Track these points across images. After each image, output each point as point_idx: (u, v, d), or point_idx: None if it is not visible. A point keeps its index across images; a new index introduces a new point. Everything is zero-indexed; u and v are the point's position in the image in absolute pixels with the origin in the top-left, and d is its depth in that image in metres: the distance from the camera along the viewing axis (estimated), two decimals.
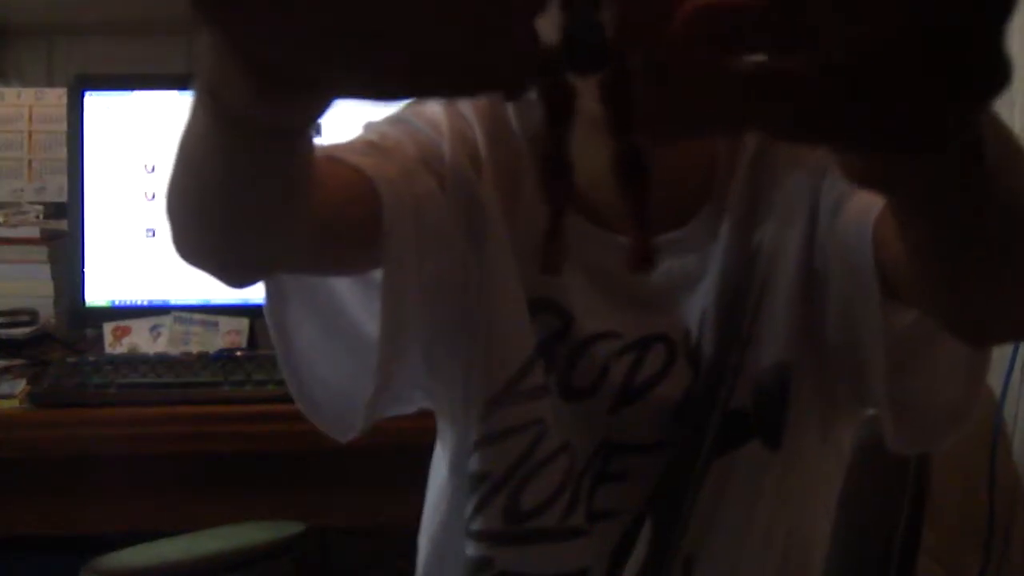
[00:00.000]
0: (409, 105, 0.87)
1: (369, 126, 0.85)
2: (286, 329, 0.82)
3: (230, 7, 0.36)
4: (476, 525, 0.88)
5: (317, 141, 0.60)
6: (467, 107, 0.88)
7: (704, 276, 0.86)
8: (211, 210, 0.62)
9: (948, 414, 0.79)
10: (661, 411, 0.87)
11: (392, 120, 0.86)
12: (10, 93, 2.04)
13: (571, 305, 0.87)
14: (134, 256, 1.84)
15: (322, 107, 0.48)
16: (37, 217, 1.96)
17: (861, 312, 0.77)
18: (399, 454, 1.13)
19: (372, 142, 0.82)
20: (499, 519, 0.87)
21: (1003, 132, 0.50)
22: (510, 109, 0.88)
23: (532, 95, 0.40)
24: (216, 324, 1.79)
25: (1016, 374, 1.60)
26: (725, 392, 0.86)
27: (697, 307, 0.86)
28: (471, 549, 0.89)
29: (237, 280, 0.70)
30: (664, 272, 0.86)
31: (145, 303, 1.84)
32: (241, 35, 0.37)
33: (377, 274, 0.78)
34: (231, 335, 1.79)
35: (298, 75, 0.40)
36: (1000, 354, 1.60)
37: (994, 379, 1.58)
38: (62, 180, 1.92)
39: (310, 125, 0.53)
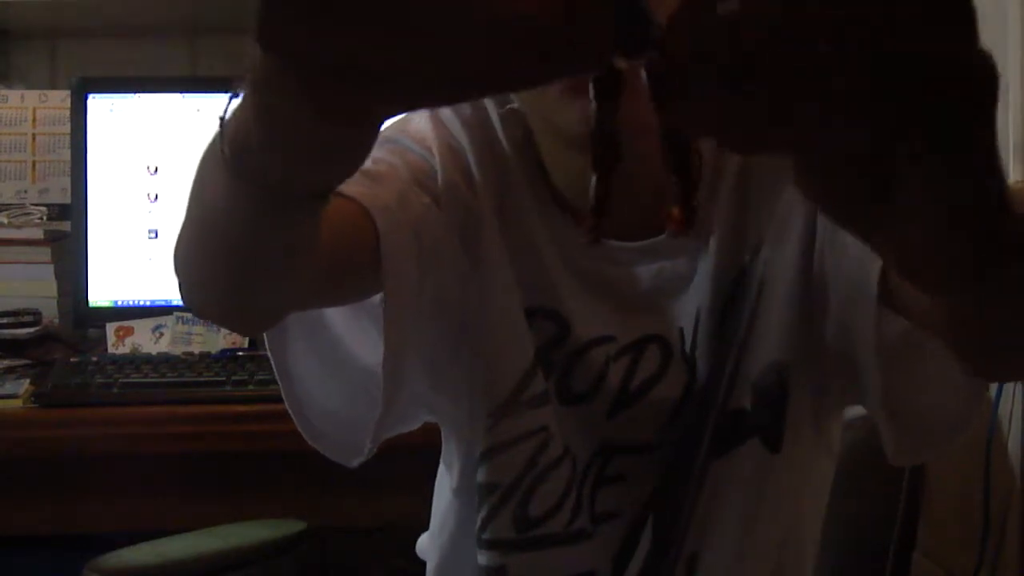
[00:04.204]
0: (396, 123, 0.87)
1: None
2: (286, 362, 0.82)
3: (296, 28, 0.35)
4: (487, 535, 0.89)
5: None
6: (453, 119, 0.87)
7: (695, 276, 0.86)
8: (226, 270, 0.62)
9: (950, 421, 0.78)
10: (659, 412, 0.87)
11: (381, 141, 0.85)
12: (14, 95, 2.04)
13: (567, 311, 0.87)
14: (137, 256, 1.85)
15: (367, 143, 0.47)
16: (40, 218, 1.97)
17: (859, 325, 0.77)
18: (400, 454, 1.14)
19: (364, 169, 0.81)
20: (510, 527, 0.88)
21: None
22: (495, 119, 0.88)
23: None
24: None
25: None
26: (723, 392, 0.86)
27: (691, 307, 0.87)
28: (484, 558, 0.89)
29: (249, 329, 0.71)
30: (655, 273, 0.86)
31: (148, 303, 1.85)
32: (306, 55, 0.36)
33: (373, 300, 0.78)
34: (233, 335, 1.79)
35: (363, 86, 0.38)
36: None
37: None
38: (65, 182, 1.93)
39: (346, 177, 0.53)
